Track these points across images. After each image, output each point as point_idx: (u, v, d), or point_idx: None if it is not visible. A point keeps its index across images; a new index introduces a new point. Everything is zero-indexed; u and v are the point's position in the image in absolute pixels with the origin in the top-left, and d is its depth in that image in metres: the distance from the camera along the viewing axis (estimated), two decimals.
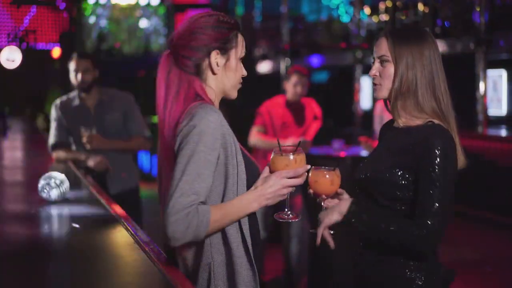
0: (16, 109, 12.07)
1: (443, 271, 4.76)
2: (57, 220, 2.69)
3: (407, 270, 1.93)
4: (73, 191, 3.09)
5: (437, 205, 1.80)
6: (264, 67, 14.27)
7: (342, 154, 5.24)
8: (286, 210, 1.87)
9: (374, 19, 10.64)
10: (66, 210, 2.78)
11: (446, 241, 6.56)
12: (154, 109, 1.82)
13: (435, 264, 2.01)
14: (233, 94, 1.91)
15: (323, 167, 1.96)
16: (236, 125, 5.05)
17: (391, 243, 1.84)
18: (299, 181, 1.78)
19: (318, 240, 1.93)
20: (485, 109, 8.32)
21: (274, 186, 1.75)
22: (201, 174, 1.69)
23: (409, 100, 1.93)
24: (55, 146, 4.32)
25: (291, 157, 1.77)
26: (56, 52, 13.69)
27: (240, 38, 1.87)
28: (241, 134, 4.99)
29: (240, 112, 8.40)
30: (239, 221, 1.78)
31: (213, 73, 1.83)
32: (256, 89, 12.46)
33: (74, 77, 4.30)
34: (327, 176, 1.94)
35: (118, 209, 2.71)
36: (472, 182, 7.61)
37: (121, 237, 2.30)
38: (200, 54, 1.81)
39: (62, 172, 2.89)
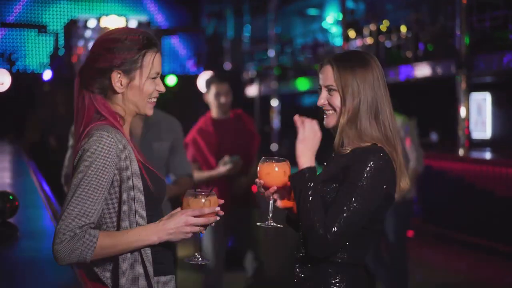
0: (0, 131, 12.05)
1: None
2: (1, 236, 2.66)
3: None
4: (31, 209, 3.06)
5: (347, 217, 1.77)
6: (252, 90, 14.33)
7: None
8: (196, 254, 1.85)
9: (359, 42, 10.72)
10: (14, 227, 2.75)
11: (422, 263, 6.49)
12: None
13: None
14: (146, 111, 1.89)
15: (272, 159, 1.90)
16: None
17: (302, 219, 1.82)
18: (203, 220, 1.76)
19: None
20: (466, 132, 8.33)
21: (177, 223, 1.75)
22: (91, 196, 1.70)
23: (351, 130, 1.90)
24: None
25: (203, 199, 1.77)
26: (47, 75, 13.69)
27: (150, 57, 1.84)
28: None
29: None
30: (141, 256, 1.77)
31: (116, 92, 1.83)
32: (244, 111, 12.39)
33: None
34: (280, 167, 1.89)
35: None
36: (452, 204, 7.60)
37: None
38: (102, 74, 1.82)
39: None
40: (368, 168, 1.81)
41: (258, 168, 1.91)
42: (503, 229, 6.75)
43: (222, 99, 4.15)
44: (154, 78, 1.86)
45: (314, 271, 1.91)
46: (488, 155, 8.71)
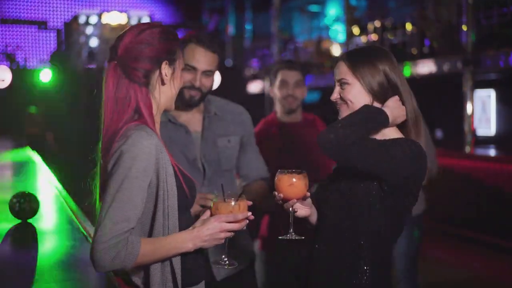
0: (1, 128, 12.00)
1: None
2: (22, 236, 2.63)
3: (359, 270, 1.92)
4: (49, 210, 3.03)
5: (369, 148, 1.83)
6: (254, 87, 14.30)
7: None
8: (223, 257, 1.81)
9: (363, 39, 10.68)
10: (35, 228, 2.72)
11: (429, 261, 6.47)
12: None
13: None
14: (173, 106, 1.89)
15: (285, 171, 1.89)
16: None
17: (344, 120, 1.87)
18: (237, 226, 1.75)
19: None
20: (472, 129, 8.31)
21: (211, 229, 1.72)
22: (132, 200, 1.65)
23: None
24: None
25: (233, 203, 1.75)
26: (46, 75, 13.58)
27: (180, 49, 1.88)
28: None
29: None
30: (170, 262, 1.74)
31: (163, 84, 1.81)
32: (247, 109, 12.44)
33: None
34: (301, 179, 1.88)
35: (91, 230, 2.65)
36: (458, 201, 7.59)
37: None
38: (151, 65, 1.78)
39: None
40: (409, 144, 1.86)
41: (277, 180, 1.89)
42: (510, 226, 6.75)
43: (290, 90, 3.27)
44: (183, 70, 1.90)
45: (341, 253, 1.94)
46: (493, 152, 8.69)
